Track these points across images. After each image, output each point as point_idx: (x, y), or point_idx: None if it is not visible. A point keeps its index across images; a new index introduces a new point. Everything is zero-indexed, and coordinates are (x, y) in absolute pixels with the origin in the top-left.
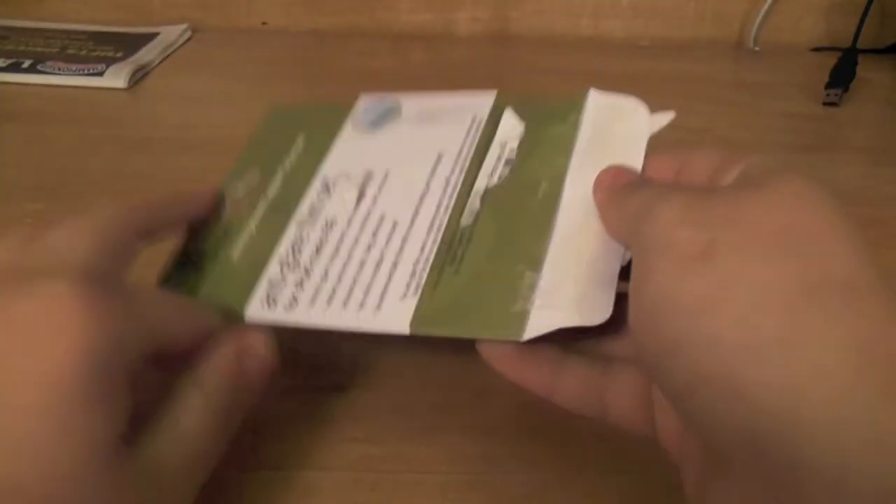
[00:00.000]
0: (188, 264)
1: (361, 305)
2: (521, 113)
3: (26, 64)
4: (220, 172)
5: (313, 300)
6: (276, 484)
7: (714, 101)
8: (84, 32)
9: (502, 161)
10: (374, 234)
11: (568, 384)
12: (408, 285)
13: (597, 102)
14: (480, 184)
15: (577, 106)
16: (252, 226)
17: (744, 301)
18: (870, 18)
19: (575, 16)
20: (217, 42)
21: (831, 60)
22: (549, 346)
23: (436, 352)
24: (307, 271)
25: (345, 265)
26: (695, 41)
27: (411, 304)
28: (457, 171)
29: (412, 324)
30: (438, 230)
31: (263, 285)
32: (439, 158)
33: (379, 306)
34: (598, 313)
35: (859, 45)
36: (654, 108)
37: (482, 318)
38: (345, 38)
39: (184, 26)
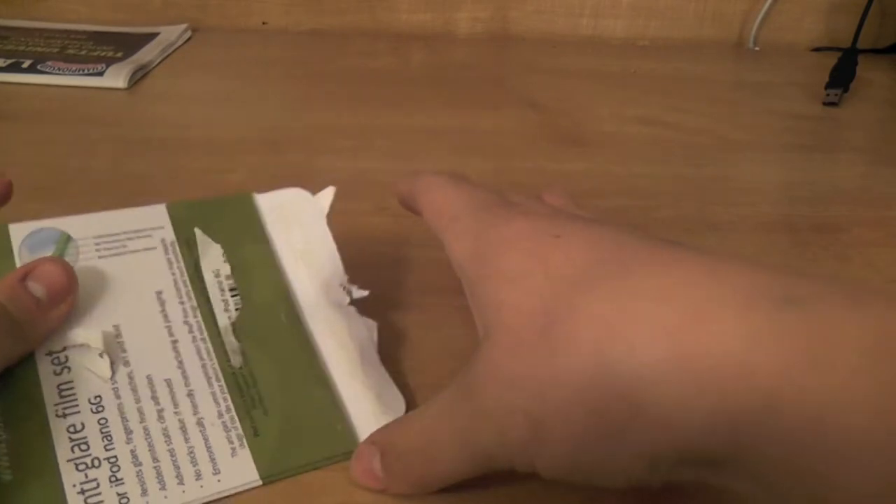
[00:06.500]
0: None
1: (198, 476)
2: (209, 229)
3: (26, 64)
4: (219, 172)
5: (144, 490)
6: (276, 483)
7: (714, 101)
8: (84, 32)
9: (227, 292)
10: (154, 398)
11: None
12: (229, 440)
13: (266, 205)
14: (222, 321)
15: (252, 217)
16: None
17: None
18: (870, 18)
19: (575, 16)
20: (217, 42)
21: (831, 60)
22: None
23: (435, 352)
24: (112, 462)
25: (149, 441)
26: (695, 41)
27: (246, 456)
28: (190, 312)
29: (260, 473)
30: (217, 378)
31: (73, 496)
32: (161, 300)
33: (216, 471)
34: (397, 404)
35: (859, 45)
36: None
37: (318, 445)
38: (345, 38)
39: (184, 26)
